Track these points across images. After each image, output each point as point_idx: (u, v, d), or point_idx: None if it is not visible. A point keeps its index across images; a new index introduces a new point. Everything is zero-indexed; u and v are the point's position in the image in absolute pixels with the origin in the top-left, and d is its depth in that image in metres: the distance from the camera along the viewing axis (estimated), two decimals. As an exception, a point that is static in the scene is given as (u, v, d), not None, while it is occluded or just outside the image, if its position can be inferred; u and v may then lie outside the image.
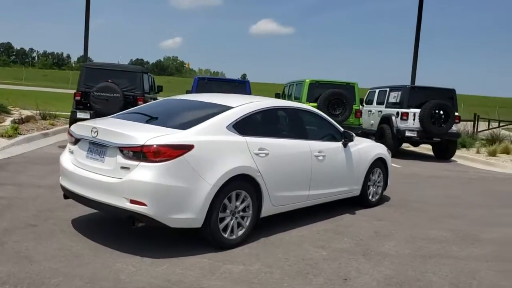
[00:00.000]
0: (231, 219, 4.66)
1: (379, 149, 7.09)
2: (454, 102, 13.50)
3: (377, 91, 15.31)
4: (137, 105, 12.51)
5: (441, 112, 13.02)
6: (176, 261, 4.22)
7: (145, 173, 4.14)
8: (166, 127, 4.56)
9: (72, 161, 4.80)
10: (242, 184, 4.68)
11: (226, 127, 4.74)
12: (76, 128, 4.85)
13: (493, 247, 5.34)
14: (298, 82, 14.09)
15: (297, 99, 13.52)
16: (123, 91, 11.41)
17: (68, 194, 4.84)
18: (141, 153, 4.16)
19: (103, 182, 4.30)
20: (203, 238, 4.59)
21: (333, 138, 6.17)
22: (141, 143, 4.17)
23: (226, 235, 4.60)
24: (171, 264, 4.15)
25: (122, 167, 4.24)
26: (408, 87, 13.79)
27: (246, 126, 4.93)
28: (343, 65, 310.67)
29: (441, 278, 4.27)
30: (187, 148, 4.27)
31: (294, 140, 5.53)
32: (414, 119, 13.23)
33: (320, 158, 5.72)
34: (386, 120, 13.84)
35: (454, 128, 13.42)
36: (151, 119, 4.96)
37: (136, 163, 4.18)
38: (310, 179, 5.61)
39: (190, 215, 4.29)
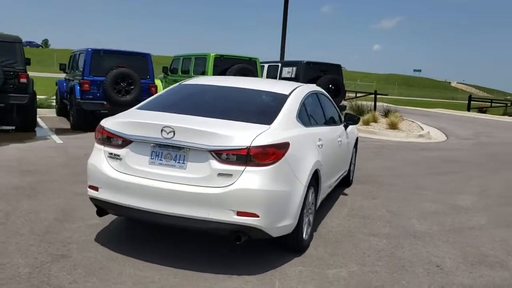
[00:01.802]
0: (306, 219, 4.29)
1: (356, 129, 7.27)
2: (341, 77, 14.54)
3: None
4: (19, 83, 10.68)
5: (333, 87, 13.90)
6: (268, 275, 3.72)
7: (254, 179, 3.50)
8: (246, 122, 3.88)
9: (117, 168, 3.77)
10: (313, 179, 4.32)
11: (295, 118, 4.27)
12: (124, 127, 3.80)
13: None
14: (196, 55, 13.38)
15: (198, 74, 12.88)
16: (1, 67, 9.38)
17: (117, 210, 3.82)
18: (247, 156, 3.49)
19: (195, 194, 3.50)
20: (274, 244, 4.14)
21: (338, 121, 6.10)
22: (247, 144, 3.50)
23: (304, 237, 4.23)
24: (264, 278, 3.65)
25: (221, 174, 3.51)
26: (303, 62, 14.32)
27: (303, 115, 4.53)
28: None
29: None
30: (287, 146, 3.74)
31: (329, 127, 5.31)
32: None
33: (339, 143, 5.62)
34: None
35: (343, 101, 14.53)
36: (208, 112, 4.13)
37: (241, 168, 3.50)
38: (335, 166, 5.48)
39: (289, 221, 3.81)
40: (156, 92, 12.11)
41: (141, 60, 11.86)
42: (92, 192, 3.89)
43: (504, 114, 28.88)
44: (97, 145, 3.96)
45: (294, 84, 5.04)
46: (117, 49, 12.01)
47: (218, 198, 3.47)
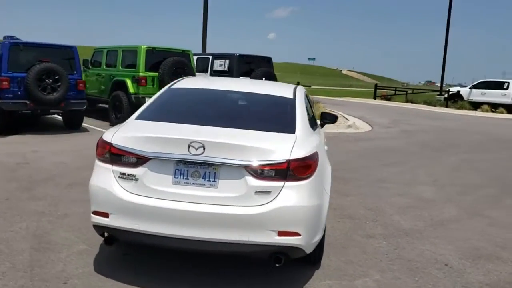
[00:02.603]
0: None
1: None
2: (272, 69, 14.52)
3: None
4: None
5: (264, 78, 13.85)
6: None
7: (294, 195, 3.25)
8: (270, 131, 3.60)
9: (132, 190, 3.28)
10: None
11: (307, 123, 4.07)
12: (139, 143, 3.30)
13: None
14: (124, 48, 12.47)
15: (130, 67, 12.06)
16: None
17: (134, 238, 3.34)
18: (287, 171, 3.23)
19: (231, 215, 3.16)
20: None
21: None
22: (287, 157, 3.23)
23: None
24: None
25: (259, 192, 3.20)
26: (236, 55, 14.03)
27: (308, 119, 4.33)
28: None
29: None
30: (317, 157, 3.52)
31: (319, 128, 5.17)
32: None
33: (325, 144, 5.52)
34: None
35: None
36: (225, 122, 3.75)
37: (280, 183, 3.22)
38: None
39: (320, 234, 3.62)
40: (84, 88, 11.13)
41: (67, 53, 10.77)
42: (99, 219, 3.36)
43: (406, 101, 31.09)
44: (101, 164, 3.41)
45: (289, 86, 4.82)
46: (39, 41, 10.78)
47: (258, 219, 3.16)
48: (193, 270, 3.79)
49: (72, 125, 11.22)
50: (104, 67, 12.95)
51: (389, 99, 32.70)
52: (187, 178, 3.25)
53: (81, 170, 6.91)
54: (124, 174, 3.31)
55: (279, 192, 3.21)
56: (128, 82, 11.79)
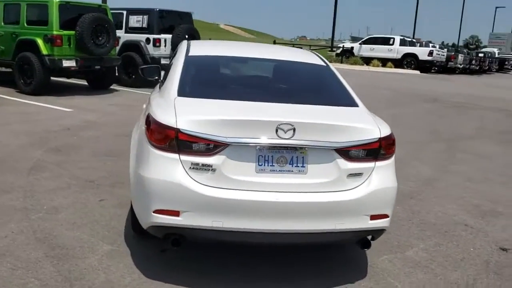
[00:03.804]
0: None
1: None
2: (193, 25, 13.69)
3: None
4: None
5: (190, 37, 13.05)
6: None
7: (385, 175, 3.05)
8: (339, 105, 3.32)
9: (209, 182, 2.79)
10: None
11: None
12: (216, 127, 2.78)
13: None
14: (29, 2, 10.66)
15: (38, 24, 10.44)
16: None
17: (214, 237, 2.87)
18: (380, 149, 2.99)
19: (327, 203, 2.87)
20: None
21: None
22: (378, 135, 2.99)
23: None
24: None
25: (351, 175, 2.93)
26: (156, 10, 12.89)
27: None
28: None
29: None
30: None
31: None
32: (165, 46, 12.76)
33: None
34: (133, 47, 12.71)
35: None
36: (289, 97, 3.38)
37: (371, 164, 2.99)
38: None
39: None
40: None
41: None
42: (166, 219, 2.82)
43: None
44: (163, 153, 2.82)
45: (308, 52, 4.49)
46: None
47: (354, 204, 2.91)
48: (249, 262, 3.44)
49: None
50: (2, 23, 11.05)
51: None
52: (272, 165, 2.85)
53: (27, 148, 5.91)
54: (197, 164, 2.79)
55: (370, 174, 2.98)
56: (39, 41, 10.22)
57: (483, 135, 9.47)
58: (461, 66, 32.56)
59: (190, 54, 3.83)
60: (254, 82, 3.76)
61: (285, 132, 2.79)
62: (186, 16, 13.73)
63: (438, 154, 7.42)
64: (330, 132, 2.89)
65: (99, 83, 11.91)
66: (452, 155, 7.42)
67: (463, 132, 9.61)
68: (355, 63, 27.85)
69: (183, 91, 3.24)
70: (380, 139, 2.99)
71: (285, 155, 2.87)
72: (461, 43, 71.55)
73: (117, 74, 12.59)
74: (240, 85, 3.66)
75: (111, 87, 12.14)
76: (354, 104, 3.40)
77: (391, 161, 3.11)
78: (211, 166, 2.79)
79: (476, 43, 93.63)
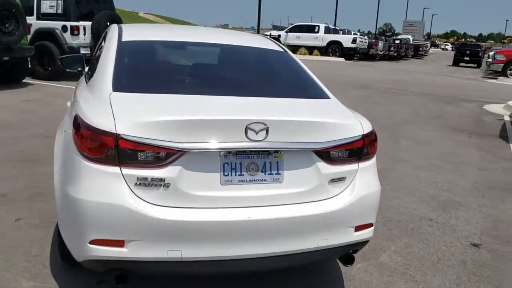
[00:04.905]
0: None
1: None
2: (114, 11, 12.60)
3: None
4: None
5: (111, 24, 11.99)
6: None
7: (369, 177, 2.63)
8: (308, 98, 2.83)
9: (161, 201, 2.19)
10: None
11: None
12: (167, 130, 2.17)
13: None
14: None
15: None
16: None
17: (170, 269, 2.28)
18: (363, 148, 2.55)
19: (307, 217, 2.37)
20: None
21: None
22: (361, 132, 2.55)
23: None
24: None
25: (333, 180, 2.46)
26: (73, -6, 11.64)
27: None
28: None
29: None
30: None
31: None
32: (85, 34, 11.60)
33: None
34: (48, 35, 11.43)
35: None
36: (247, 90, 2.81)
37: (354, 166, 2.54)
38: None
39: None
40: None
41: None
42: (107, 251, 2.18)
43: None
44: (101, 167, 2.17)
45: (257, 36, 3.96)
46: None
47: (338, 215, 2.45)
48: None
49: None
50: None
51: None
52: (241, 174, 2.30)
53: None
54: (145, 179, 2.17)
55: (354, 177, 2.54)
56: None
57: (419, 120, 9.53)
58: (381, 53, 33.74)
59: (123, 39, 3.14)
60: (207, 71, 3.17)
61: (257, 133, 2.25)
62: (106, 2, 12.60)
63: (383, 142, 7.23)
64: (309, 131, 2.39)
65: (9, 76, 10.51)
66: (396, 143, 7.28)
67: (400, 118, 9.61)
68: (282, 51, 27.70)
69: (119, 85, 2.57)
70: (364, 136, 2.54)
71: (257, 161, 2.33)
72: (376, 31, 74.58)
73: (30, 66, 11.26)
74: (191, 76, 3.06)
75: (24, 80, 10.82)
76: (325, 96, 2.93)
77: (373, 160, 2.69)
78: (164, 181, 2.19)
79: (391, 31, 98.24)
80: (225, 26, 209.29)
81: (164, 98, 2.50)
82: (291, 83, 3.12)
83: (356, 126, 2.55)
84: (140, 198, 2.17)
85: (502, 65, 22.08)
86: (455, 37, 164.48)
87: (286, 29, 31.10)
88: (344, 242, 2.51)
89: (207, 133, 2.22)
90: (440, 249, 3.66)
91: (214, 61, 3.35)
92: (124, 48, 3.00)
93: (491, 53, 25.29)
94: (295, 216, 2.35)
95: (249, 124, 2.24)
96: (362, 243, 2.67)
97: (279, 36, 29.58)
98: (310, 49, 28.03)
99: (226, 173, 2.28)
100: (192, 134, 2.20)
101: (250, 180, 2.31)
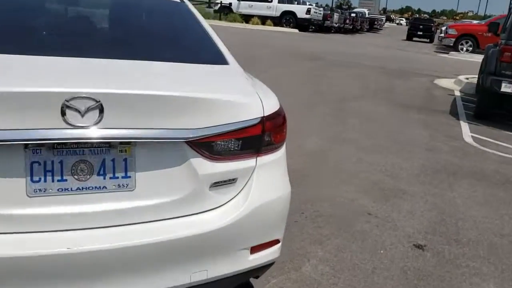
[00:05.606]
0: None
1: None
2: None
3: None
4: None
5: None
6: None
7: (273, 177, 1.86)
8: (195, 62, 2.01)
9: None
10: None
11: None
12: None
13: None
14: None
15: None
16: None
17: None
18: (263, 136, 1.77)
19: (170, 242, 1.59)
20: None
21: None
22: (260, 113, 1.76)
23: None
24: None
25: (217, 184, 1.68)
26: None
27: None
28: None
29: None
30: None
31: None
32: None
33: None
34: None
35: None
36: (90, 48, 1.94)
37: (251, 162, 1.76)
38: None
39: None
40: None
41: None
42: None
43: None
44: None
45: None
46: None
47: (224, 234, 1.68)
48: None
49: None
50: None
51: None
52: (62, 179, 1.47)
53: None
54: None
55: (249, 178, 1.76)
56: None
57: (367, 95, 8.93)
58: (336, 25, 33.17)
59: None
60: (58, 24, 2.26)
61: (83, 115, 1.42)
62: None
63: (324, 118, 6.58)
64: (177, 112, 1.58)
65: None
66: (340, 119, 6.62)
67: (349, 91, 8.98)
68: (234, 21, 26.59)
69: None
70: (264, 119, 1.76)
71: (89, 159, 1.50)
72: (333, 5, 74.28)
73: None
74: (30, 29, 2.13)
75: None
76: (223, 61, 2.11)
77: (281, 153, 1.92)
78: None
79: (348, 4, 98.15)
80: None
81: None
82: (178, 43, 2.27)
83: (254, 104, 1.75)
84: None
85: (453, 39, 21.95)
86: (410, 13, 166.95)
87: (239, -2, 29.80)
88: (232, 272, 1.75)
89: (1, 114, 1.36)
90: (377, 253, 3.00)
91: (74, 13, 2.45)
92: None
93: (443, 28, 25.22)
94: (153, 241, 1.56)
95: (68, 100, 1.40)
96: (263, 268, 1.92)
97: (230, 4, 28.31)
98: (263, 19, 26.99)
99: (35, 178, 1.44)
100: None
101: (78, 189, 1.49)
